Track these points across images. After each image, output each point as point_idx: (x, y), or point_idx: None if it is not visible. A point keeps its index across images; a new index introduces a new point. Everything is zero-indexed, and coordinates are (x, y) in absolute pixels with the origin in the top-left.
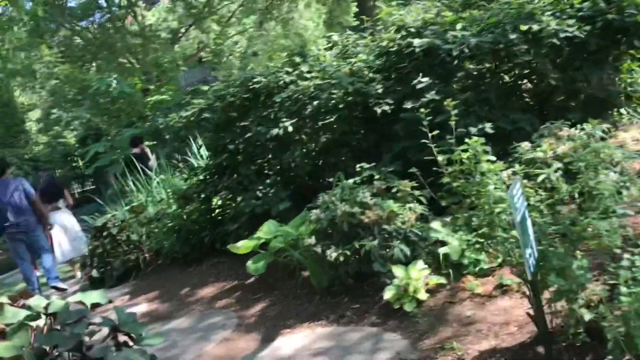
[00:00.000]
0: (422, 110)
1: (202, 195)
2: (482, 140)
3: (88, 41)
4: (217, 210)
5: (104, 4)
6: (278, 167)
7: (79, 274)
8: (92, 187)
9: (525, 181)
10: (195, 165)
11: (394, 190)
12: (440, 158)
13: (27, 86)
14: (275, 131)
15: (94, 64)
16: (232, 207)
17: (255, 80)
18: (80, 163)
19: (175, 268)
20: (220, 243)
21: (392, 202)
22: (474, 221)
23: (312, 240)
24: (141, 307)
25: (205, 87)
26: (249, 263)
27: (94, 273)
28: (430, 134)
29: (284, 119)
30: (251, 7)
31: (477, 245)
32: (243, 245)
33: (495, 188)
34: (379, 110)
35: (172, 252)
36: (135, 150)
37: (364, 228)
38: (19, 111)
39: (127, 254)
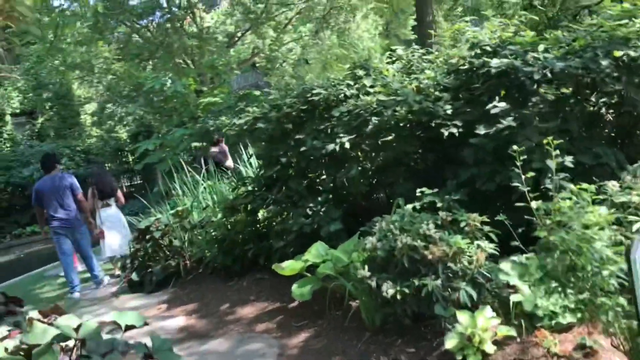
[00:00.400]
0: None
1: (249, 207)
2: (592, 188)
3: (146, 40)
4: (263, 224)
5: (164, 4)
6: (331, 184)
7: (118, 272)
8: (140, 182)
9: (614, 227)
10: (244, 173)
11: (461, 223)
12: (534, 205)
13: (85, 80)
14: (331, 146)
15: (150, 63)
16: (279, 223)
17: (314, 91)
18: (130, 158)
19: (215, 279)
20: (264, 258)
21: (459, 238)
22: (572, 283)
23: (366, 271)
24: (178, 321)
25: (257, 92)
26: (294, 287)
27: (134, 276)
28: (522, 175)
29: (342, 134)
30: (308, 15)
31: (571, 307)
32: (288, 267)
33: (604, 245)
34: (445, 133)
35: (214, 263)
36: (214, 149)
37: (426, 265)
38: (75, 104)
39: (168, 259)
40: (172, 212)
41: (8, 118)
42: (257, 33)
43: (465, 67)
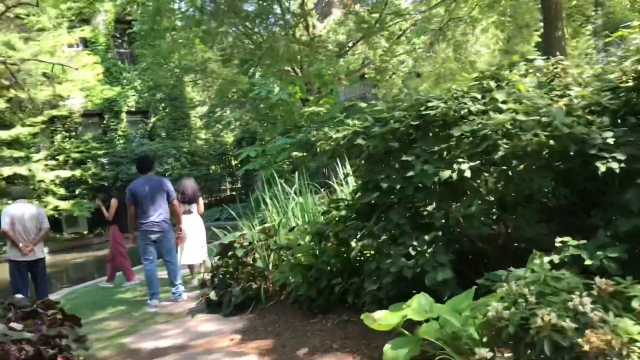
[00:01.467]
0: None
1: (340, 237)
2: None
3: (257, 45)
4: (356, 257)
5: (278, 10)
6: (443, 220)
7: (196, 281)
8: (240, 188)
9: None
10: (338, 194)
11: (632, 301)
12: None
13: (197, 83)
14: (446, 173)
15: (258, 69)
16: (373, 259)
17: (430, 104)
18: (233, 163)
19: (296, 312)
20: (354, 296)
21: (629, 322)
22: None
23: (486, 351)
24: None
25: (363, 105)
26: (387, 348)
27: (212, 295)
28: None
29: (461, 159)
30: (424, 27)
31: None
32: (382, 320)
33: None
34: (602, 167)
35: (297, 292)
36: None
37: (579, 356)
38: (186, 106)
39: (250, 280)
40: (258, 228)
41: (124, 116)
42: (369, 43)
43: (629, 84)
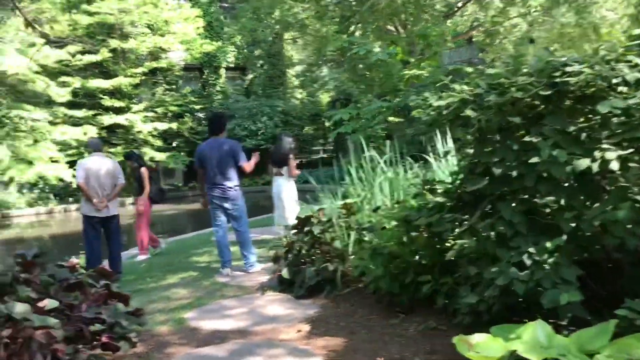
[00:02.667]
0: None
1: (432, 230)
2: None
3: (358, 1)
4: (450, 251)
5: None
6: (573, 224)
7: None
8: (332, 152)
9: None
10: (435, 172)
11: None
12: None
13: (297, 41)
14: (584, 163)
15: (359, 26)
16: (474, 261)
17: (568, 69)
18: (326, 125)
19: (375, 307)
20: (445, 298)
21: None
22: None
23: None
24: None
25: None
26: None
27: (285, 273)
28: None
29: (606, 146)
30: None
31: None
32: (480, 347)
33: None
34: None
35: (376, 284)
36: None
37: None
38: (283, 64)
39: (326, 261)
40: (339, 203)
41: (222, 71)
42: (481, 3)
43: None
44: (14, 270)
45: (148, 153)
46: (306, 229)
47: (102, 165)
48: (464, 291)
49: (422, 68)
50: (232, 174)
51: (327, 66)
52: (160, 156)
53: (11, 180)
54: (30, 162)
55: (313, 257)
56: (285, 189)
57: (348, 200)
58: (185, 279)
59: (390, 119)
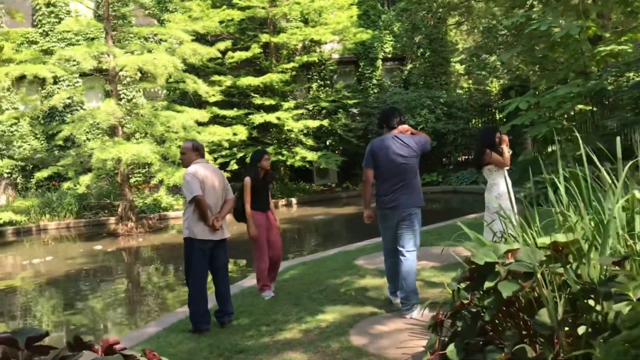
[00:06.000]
0: None
1: None
2: None
3: None
4: None
5: None
6: None
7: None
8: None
9: None
10: None
11: None
12: None
13: (462, 23)
14: None
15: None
16: None
17: None
18: (497, 117)
19: None
20: None
21: None
22: None
23: None
24: None
25: None
26: None
27: (451, 353)
28: None
29: None
30: None
31: None
32: None
33: None
34: None
35: None
36: None
37: None
38: (447, 50)
39: (522, 340)
40: (541, 240)
41: (379, 63)
42: None
43: None
44: None
45: (299, 152)
46: (486, 284)
47: (214, 175)
48: None
49: (620, 43)
50: (416, 180)
51: (498, 49)
52: (312, 155)
53: (161, 182)
54: (179, 164)
55: (500, 332)
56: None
57: (559, 237)
58: (309, 334)
59: (580, 106)
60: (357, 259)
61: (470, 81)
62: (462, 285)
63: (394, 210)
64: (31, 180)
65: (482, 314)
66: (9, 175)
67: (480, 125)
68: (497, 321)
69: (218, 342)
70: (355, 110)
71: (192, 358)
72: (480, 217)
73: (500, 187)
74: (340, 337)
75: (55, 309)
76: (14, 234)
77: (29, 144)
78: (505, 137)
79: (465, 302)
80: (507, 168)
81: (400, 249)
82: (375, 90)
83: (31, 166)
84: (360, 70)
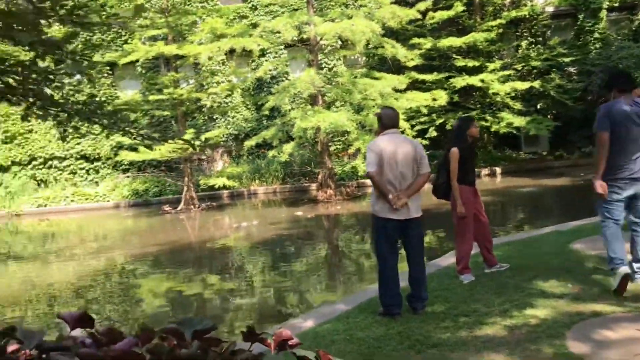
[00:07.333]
0: None
1: None
2: None
3: None
4: None
5: None
6: None
7: None
8: None
9: None
10: None
11: None
12: None
13: None
14: None
15: None
16: None
17: None
18: None
19: None
20: None
21: None
22: None
23: None
24: None
25: None
26: None
27: None
28: None
29: None
30: None
31: None
32: None
33: None
34: None
35: None
36: None
37: None
38: None
39: None
40: None
41: (603, 14)
42: None
43: None
44: None
45: (505, 118)
46: None
47: (400, 146)
48: None
49: None
50: None
51: None
52: (520, 121)
53: (358, 150)
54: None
55: None
56: None
57: None
58: (515, 332)
59: None
60: (573, 242)
61: None
62: None
63: (633, 182)
64: (243, 147)
65: None
66: (225, 142)
67: None
68: None
69: (409, 330)
70: (572, 69)
71: (380, 346)
72: None
73: None
74: (554, 340)
75: (262, 270)
76: (228, 197)
77: (241, 114)
78: None
79: None
80: None
81: (638, 220)
82: (597, 45)
83: (243, 135)
84: (579, 23)
